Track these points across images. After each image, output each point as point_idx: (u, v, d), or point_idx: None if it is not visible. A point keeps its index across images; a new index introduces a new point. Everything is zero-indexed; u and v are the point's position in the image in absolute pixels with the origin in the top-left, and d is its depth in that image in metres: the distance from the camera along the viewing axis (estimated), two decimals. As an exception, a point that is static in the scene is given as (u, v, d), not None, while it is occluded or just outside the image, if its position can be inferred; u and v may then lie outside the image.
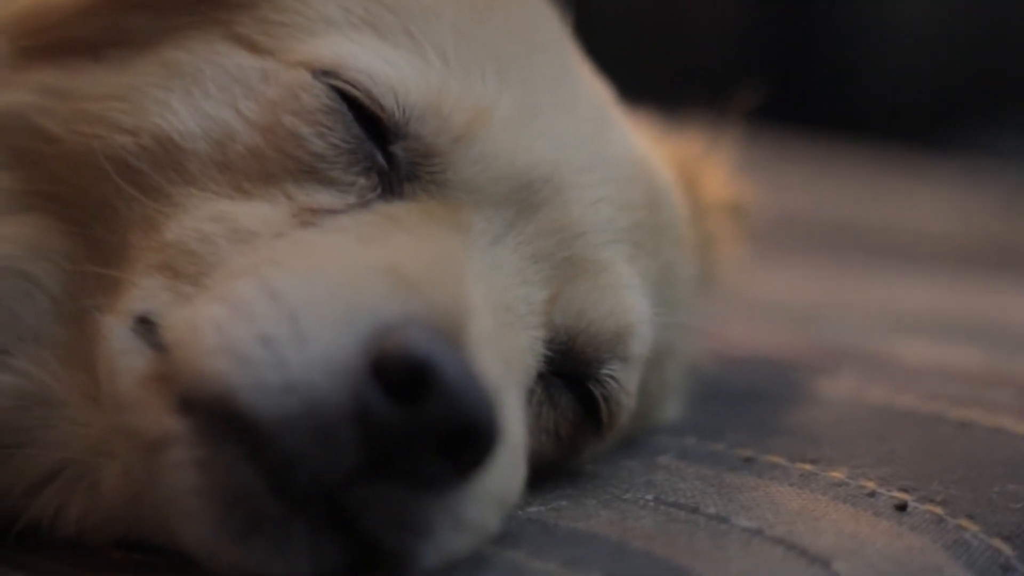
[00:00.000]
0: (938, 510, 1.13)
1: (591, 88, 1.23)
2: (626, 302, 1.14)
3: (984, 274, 2.02)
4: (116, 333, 1.03)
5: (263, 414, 0.94)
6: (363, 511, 0.94)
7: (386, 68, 1.09)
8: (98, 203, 1.08)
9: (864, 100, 3.27)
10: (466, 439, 0.94)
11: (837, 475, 1.17)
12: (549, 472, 1.13)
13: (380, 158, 1.08)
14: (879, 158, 2.68)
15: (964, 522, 1.12)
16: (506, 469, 1.01)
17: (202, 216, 1.05)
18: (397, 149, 1.08)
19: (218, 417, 0.95)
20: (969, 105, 3.24)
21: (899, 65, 3.28)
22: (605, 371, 1.14)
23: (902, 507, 1.12)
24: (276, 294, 0.97)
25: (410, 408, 0.93)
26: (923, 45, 3.28)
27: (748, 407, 1.36)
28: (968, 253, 2.19)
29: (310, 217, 1.05)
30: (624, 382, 1.15)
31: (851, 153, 2.67)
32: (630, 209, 1.17)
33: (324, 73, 1.08)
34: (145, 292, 1.04)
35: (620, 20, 2.85)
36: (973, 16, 3.30)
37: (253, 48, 1.11)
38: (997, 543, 1.11)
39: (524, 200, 1.10)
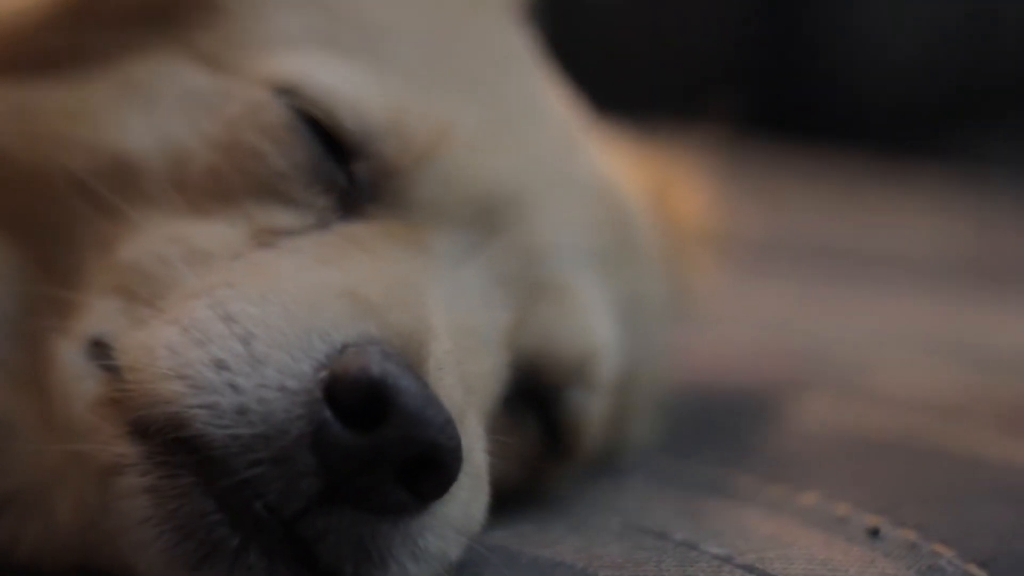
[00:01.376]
0: (912, 535, 1.11)
1: (557, 108, 1.22)
2: (591, 328, 1.12)
3: (967, 292, 2.02)
4: (69, 356, 1.02)
5: (216, 439, 0.93)
6: (320, 539, 0.93)
7: (346, 86, 1.07)
8: (53, 223, 1.06)
9: (850, 107, 3.27)
10: (426, 466, 0.93)
11: (809, 499, 1.16)
12: (514, 495, 1.11)
13: (341, 177, 1.06)
14: (865, 167, 2.68)
15: (939, 547, 1.11)
16: (468, 496, 0.99)
17: (158, 237, 1.03)
18: (358, 168, 1.07)
19: (171, 443, 0.94)
20: (959, 112, 3.25)
21: (887, 72, 3.29)
22: (569, 397, 1.13)
23: (875, 532, 1.11)
24: (231, 317, 0.96)
25: (367, 433, 0.91)
26: (911, 52, 3.28)
27: (719, 430, 1.36)
28: (951, 270, 2.19)
29: (269, 238, 1.04)
30: (588, 409, 1.14)
31: (836, 163, 2.67)
32: (597, 231, 1.15)
33: (284, 91, 1.07)
34: (100, 314, 1.02)
35: (600, 32, 2.85)
36: (962, 23, 3.30)
37: (213, 65, 1.10)
38: (972, 569, 1.10)
39: (488, 221, 1.08)
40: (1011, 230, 2.41)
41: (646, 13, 3.17)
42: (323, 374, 0.93)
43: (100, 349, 1.01)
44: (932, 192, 2.64)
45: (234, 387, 0.93)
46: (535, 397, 1.12)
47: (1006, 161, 2.94)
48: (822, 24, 3.28)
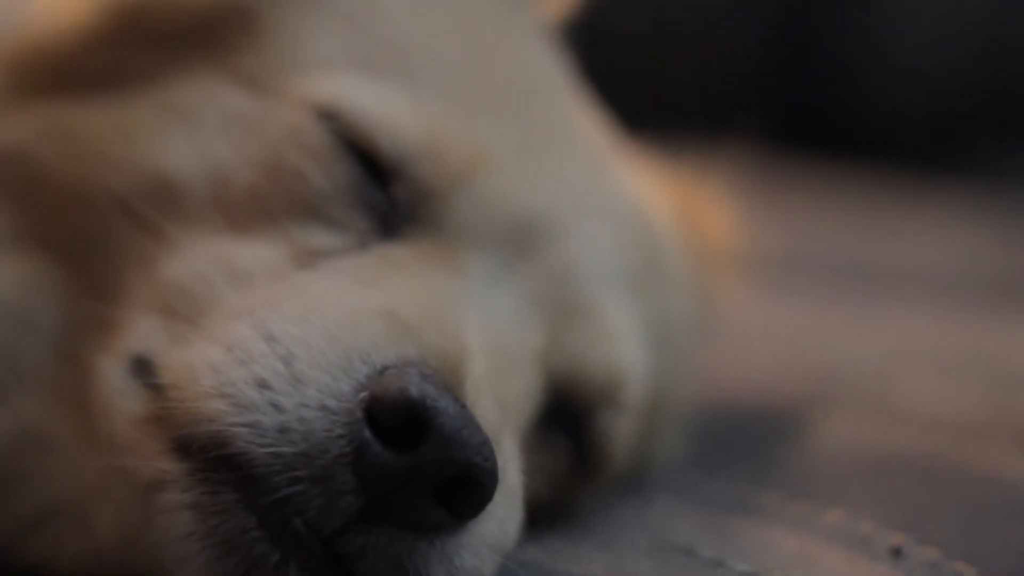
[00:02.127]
0: (934, 553, 1.12)
1: (588, 130, 1.23)
2: (621, 350, 1.14)
3: (988, 309, 2.01)
4: (112, 373, 1.03)
5: (258, 457, 0.94)
6: (359, 557, 0.94)
7: (384, 109, 1.09)
8: (96, 242, 1.08)
9: (872, 123, 3.26)
10: (463, 485, 0.94)
11: (833, 517, 1.17)
12: (544, 511, 1.12)
13: (379, 199, 1.08)
14: (886, 183, 2.67)
15: (961, 565, 1.11)
16: (503, 514, 1.01)
17: (200, 256, 1.05)
18: (396, 190, 1.08)
19: (213, 460, 0.96)
20: (981, 127, 3.24)
21: (909, 87, 3.27)
22: (598, 418, 1.14)
23: (897, 551, 1.12)
24: (272, 337, 0.97)
25: (406, 454, 0.93)
26: (934, 67, 3.27)
27: (744, 447, 1.37)
28: (973, 286, 2.17)
29: (309, 258, 1.05)
30: (615, 430, 1.15)
31: (858, 178, 2.65)
32: (626, 253, 1.17)
33: (324, 114, 1.09)
34: (142, 332, 1.04)
35: (623, 48, 2.85)
36: (985, 37, 3.30)
37: (254, 87, 1.11)
38: (995, 587, 1.11)
39: (521, 243, 1.10)
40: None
41: (666, 31, 3.17)
42: (363, 394, 0.94)
43: (143, 367, 1.02)
44: (954, 208, 2.63)
45: (276, 406, 0.95)
46: (565, 417, 1.13)
47: (1020, 174, 2.94)
48: (844, 39, 3.27)
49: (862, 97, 3.28)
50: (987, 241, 2.44)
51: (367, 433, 0.93)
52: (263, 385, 0.96)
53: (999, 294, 2.09)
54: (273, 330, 0.98)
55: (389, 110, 1.09)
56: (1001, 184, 2.85)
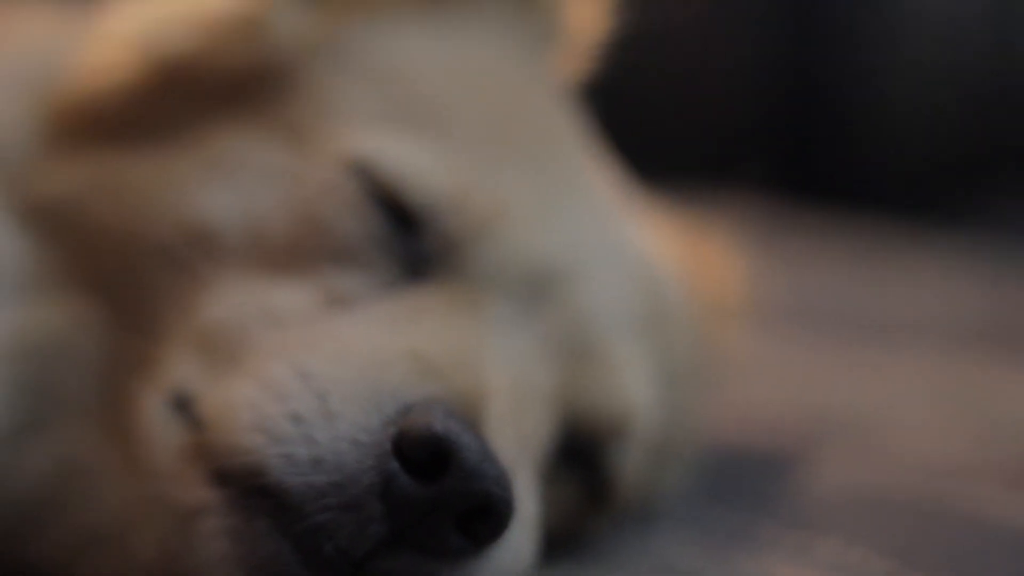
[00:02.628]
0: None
1: (600, 182, 1.28)
2: (630, 390, 1.19)
3: (978, 354, 2.03)
4: (153, 407, 1.08)
5: (293, 487, 0.99)
6: None
7: (412, 165, 1.14)
8: (139, 283, 1.13)
9: (867, 171, 3.27)
10: (482, 514, 0.99)
11: (827, 547, 1.21)
12: (555, 539, 1.16)
13: (407, 248, 1.13)
14: (881, 231, 2.69)
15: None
16: (518, 543, 1.06)
17: (238, 300, 1.10)
18: (423, 240, 1.13)
19: (250, 489, 1.01)
20: (975, 176, 3.26)
21: (903, 137, 3.28)
22: (608, 454, 1.19)
23: (888, 581, 1.16)
24: (307, 375, 1.03)
25: (430, 484, 0.98)
26: (929, 117, 3.28)
27: (746, 482, 1.40)
28: (966, 334, 2.17)
29: (340, 301, 1.11)
30: (625, 465, 1.20)
31: (853, 226, 2.67)
32: (636, 300, 1.22)
33: (356, 168, 1.14)
34: (181, 368, 1.09)
35: (630, 101, 2.87)
36: (978, 88, 3.32)
37: (290, 141, 1.16)
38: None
39: (539, 290, 1.15)
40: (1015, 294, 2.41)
41: (672, 85, 3.19)
42: (392, 429, 0.99)
43: (182, 401, 1.07)
44: (948, 256, 2.64)
45: (309, 439, 1.00)
46: (578, 452, 1.18)
47: (1016, 222, 2.97)
48: (843, 93, 3.29)
49: (861, 148, 3.29)
50: (979, 289, 2.45)
51: (395, 465, 0.98)
52: (298, 419, 1.01)
53: (990, 340, 2.10)
54: (308, 369, 1.03)
55: (417, 165, 1.14)
56: (994, 233, 2.87)
